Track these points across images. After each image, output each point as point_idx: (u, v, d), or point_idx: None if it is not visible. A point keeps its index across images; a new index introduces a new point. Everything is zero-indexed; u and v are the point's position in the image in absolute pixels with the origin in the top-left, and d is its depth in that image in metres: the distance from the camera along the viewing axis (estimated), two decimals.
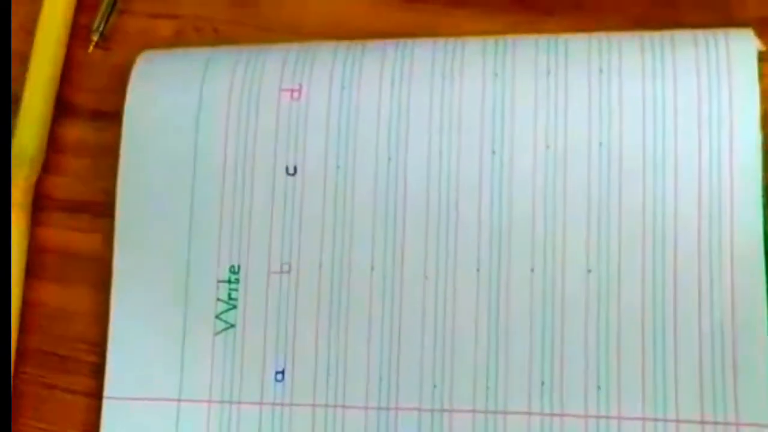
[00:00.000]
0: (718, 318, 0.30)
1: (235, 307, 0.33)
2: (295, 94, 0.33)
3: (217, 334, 0.33)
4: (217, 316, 0.33)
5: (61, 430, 0.33)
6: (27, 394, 0.34)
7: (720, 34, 0.32)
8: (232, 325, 0.33)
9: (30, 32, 0.36)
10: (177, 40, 0.36)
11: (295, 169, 0.33)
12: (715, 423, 0.30)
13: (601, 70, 0.32)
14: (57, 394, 0.34)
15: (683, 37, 0.32)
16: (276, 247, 0.33)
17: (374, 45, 0.34)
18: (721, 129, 0.31)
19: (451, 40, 0.34)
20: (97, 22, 0.36)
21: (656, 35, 0.32)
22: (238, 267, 0.33)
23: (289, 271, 0.33)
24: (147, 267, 0.33)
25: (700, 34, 0.32)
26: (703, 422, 0.30)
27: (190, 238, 0.33)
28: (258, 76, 0.34)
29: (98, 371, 0.33)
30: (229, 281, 0.33)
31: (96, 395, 0.33)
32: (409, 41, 0.34)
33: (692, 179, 0.31)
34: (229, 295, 0.33)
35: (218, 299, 0.33)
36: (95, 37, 0.36)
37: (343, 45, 0.34)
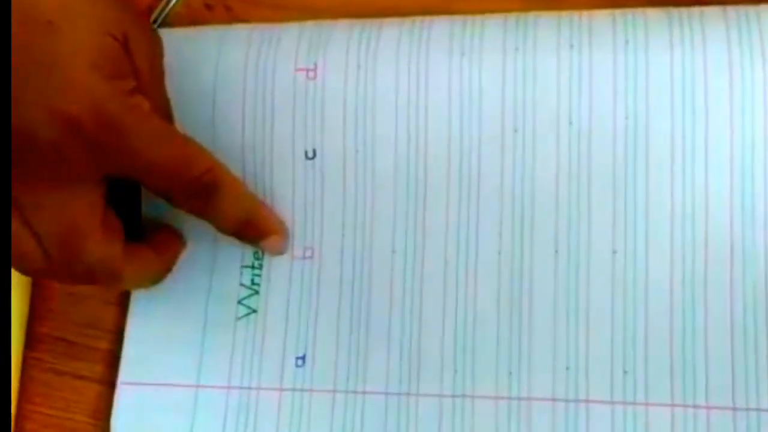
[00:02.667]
0: (751, 301, 0.29)
1: (257, 292, 0.32)
2: (311, 74, 0.33)
3: (239, 319, 0.32)
4: (239, 302, 0.32)
5: (71, 416, 0.33)
6: (37, 380, 0.33)
7: (751, 9, 0.31)
8: (254, 311, 0.32)
9: None
10: (188, 18, 0.35)
11: (314, 152, 0.32)
12: (748, 409, 0.29)
13: (627, 42, 0.31)
14: (67, 381, 0.33)
15: (712, 12, 0.31)
16: (299, 233, 0.32)
17: (391, 23, 0.33)
18: (755, 104, 0.30)
19: (469, 17, 0.33)
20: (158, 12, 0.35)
21: (684, 10, 0.31)
22: (262, 252, 0.32)
23: (312, 257, 0.32)
24: None
25: (731, 9, 0.31)
26: (734, 408, 0.29)
27: None
28: (272, 56, 0.33)
29: (110, 358, 0.33)
30: (253, 266, 0.32)
31: (107, 382, 0.32)
32: (427, 18, 0.33)
33: (723, 155, 0.30)
34: (252, 280, 0.32)
35: (241, 284, 0.32)
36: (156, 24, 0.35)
37: (359, 23, 0.33)
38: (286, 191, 0.32)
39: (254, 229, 0.31)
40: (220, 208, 0.30)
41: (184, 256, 0.32)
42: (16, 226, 0.27)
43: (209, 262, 0.32)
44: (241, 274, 0.32)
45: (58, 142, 0.26)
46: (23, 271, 0.29)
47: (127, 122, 0.27)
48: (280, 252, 0.32)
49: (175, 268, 0.32)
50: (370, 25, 0.33)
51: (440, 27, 0.32)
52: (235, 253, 0.32)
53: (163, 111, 0.31)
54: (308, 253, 0.32)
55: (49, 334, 0.34)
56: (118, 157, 0.27)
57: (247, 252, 0.32)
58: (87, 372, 0.33)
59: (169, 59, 0.33)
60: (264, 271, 0.32)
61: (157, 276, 0.31)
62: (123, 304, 0.33)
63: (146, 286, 0.31)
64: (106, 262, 0.28)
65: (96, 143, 0.27)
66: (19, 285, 0.33)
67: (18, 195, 0.27)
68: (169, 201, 0.30)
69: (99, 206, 0.28)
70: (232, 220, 0.31)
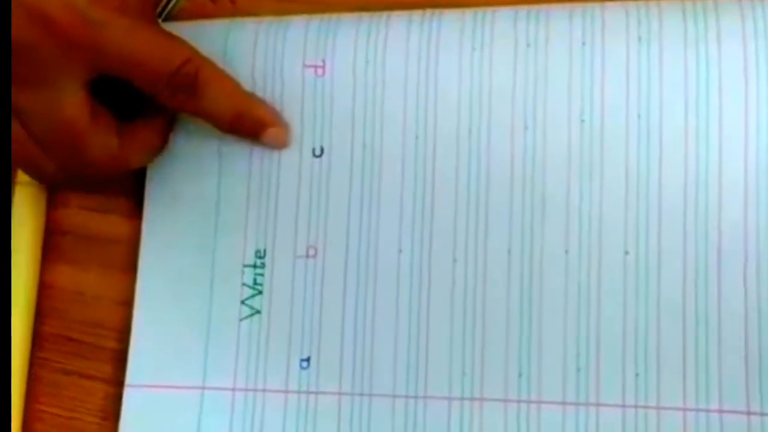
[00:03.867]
0: (765, 303, 0.28)
1: (260, 292, 0.32)
2: (319, 71, 0.32)
3: (242, 320, 0.32)
4: (242, 302, 0.32)
5: (79, 416, 0.33)
6: (44, 380, 0.33)
7: (766, 1, 0.30)
8: (258, 311, 0.31)
9: None
10: (193, 12, 0.35)
11: (322, 150, 0.32)
12: (762, 414, 0.28)
13: (640, 38, 0.30)
14: (75, 380, 0.33)
15: (727, 4, 0.30)
16: (302, 231, 0.32)
17: (399, 16, 0.32)
18: None
19: (480, 10, 0.32)
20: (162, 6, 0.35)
21: (698, 2, 0.30)
22: (264, 251, 0.32)
23: (315, 255, 0.31)
24: (173, 252, 0.32)
25: (746, 2, 0.30)
26: (749, 413, 0.28)
27: (217, 222, 0.32)
28: (280, 51, 0.32)
29: (118, 357, 0.32)
30: (255, 266, 0.32)
31: (115, 382, 0.32)
32: (436, 11, 0.32)
33: (738, 153, 0.29)
34: (255, 280, 0.32)
35: (243, 284, 0.32)
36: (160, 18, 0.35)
37: (366, 16, 0.33)
38: (292, 188, 0.32)
39: (249, 122, 0.31)
40: (208, 101, 0.30)
41: (185, 255, 0.32)
42: (16, 131, 0.29)
43: (209, 261, 0.32)
44: (243, 273, 0.32)
45: (38, 44, 0.28)
46: (39, 179, 0.32)
47: (98, 17, 0.28)
48: (283, 144, 0.32)
49: (176, 268, 0.32)
50: (378, 18, 0.32)
51: (450, 20, 0.32)
52: (236, 252, 0.32)
53: (139, 6, 0.30)
54: (311, 252, 0.32)
55: (56, 334, 0.33)
56: (94, 54, 0.28)
57: (249, 251, 0.32)
58: (95, 372, 0.33)
59: None
60: (267, 271, 0.32)
61: (156, 148, 0.32)
62: (131, 303, 0.32)
63: (151, 160, 0.32)
64: (106, 149, 0.30)
65: (72, 41, 0.28)
66: (25, 284, 0.33)
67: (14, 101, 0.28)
68: (158, 99, 0.30)
69: (86, 103, 0.29)
70: (224, 114, 0.31)
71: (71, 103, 0.29)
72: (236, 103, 0.31)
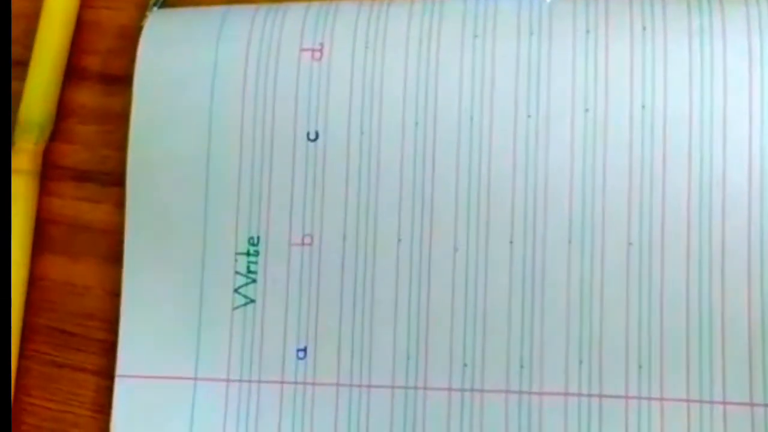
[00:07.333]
0: None
1: (254, 281, 0.31)
2: (317, 54, 0.31)
3: (235, 309, 0.31)
4: (235, 290, 0.31)
5: (70, 409, 0.32)
6: (35, 373, 0.32)
7: None
8: (252, 300, 0.31)
9: None
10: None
11: (317, 134, 0.31)
12: (766, 405, 0.28)
13: (644, 28, 0.30)
14: (66, 373, 0.32)
15: None
16: (297, 218, 0.31)
17: (400, 1, 0.32)
18: None
19: None
20: None
21: None
22: (258, 238, 0.31)
23: (311, 243, 0.31)
24: (160, 239, 0.31)
25: None
26: (752, 404, 0.28)
27: (206, 208, 0.31)
28: (277, 35, 0.32)
29: (109, 349, 0.32)
30: (248, 253, 0.31)
31: (107, 374, 0.31)
32: None
33: (743, 146, 0.29)
34: (248, 268, 0.31)
35: (237, 272, 0.31)
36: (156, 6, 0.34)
37: (367, 2, 0.32)
38: (286, 173, 0.31)
39: None
40: None
41: (174, 243, 0.31)
42: None
43: (200, 249, 0.31)
44: (236, 261, 0.31)
45: None
46: None
47: None
48: None
49: (165, 256, 0.31)
50: (379, 3, 0.32)
51: (452, 6, 0.31)
52: (228, 239, 0.31)
53: None
54: (307, 240, 0.31)
55: (47, 326, 0.33)
56: None
57: (241, 238, 0.31)
58: (87, 364, 0.32)
59: (167, 41, 0.33)
60: (261, 259, 0.31)
61: None
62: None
63: None
64: None
65: None
66: (15, 276, 0.32)
67: None
68: None
69: None
70: None
71: None
72: None
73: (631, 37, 0.30)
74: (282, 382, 0.30)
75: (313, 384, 0.30)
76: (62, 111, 0.34)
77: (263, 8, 0.33)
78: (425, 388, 0.30)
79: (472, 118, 0.30)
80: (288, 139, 0.31)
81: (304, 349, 0.30)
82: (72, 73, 0.34)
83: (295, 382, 0.30)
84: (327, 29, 0.32)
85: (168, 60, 0.32)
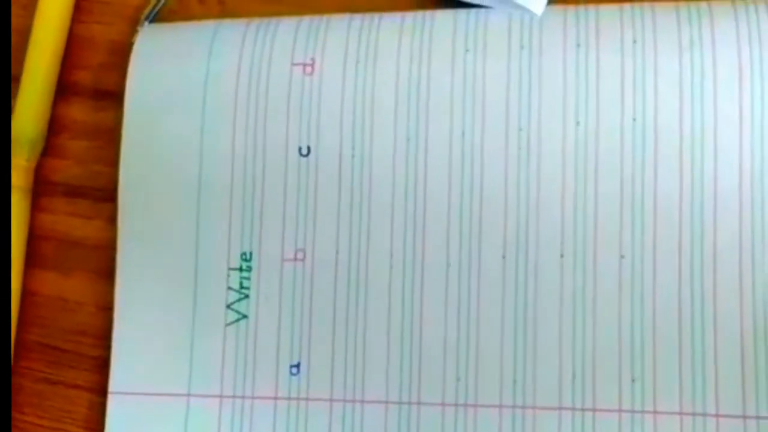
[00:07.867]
0: (761, 307, 0.28)
1: (247, 296, 0.31)
2: (308, 69, 0.31)
3: (228, 325, 0.31)
4: (228, 306, 0.31)
5: (63, 426, 0.32)
6: (28, 390, 0.32)
7: (761, 3, 0.30)
8: (245, 316, 0.31)
9: (30, 7, 0.34)
10: (180, 14, 0.34)
11: (309, 149, 0.31)
12: (758, 417, 0.28)
13: (635, 41, 0.30)
14: (59, 390, 0.32)
15: (721, 7, 0.30)
16: (290, 233, 0.31)
17: (391, 16, 0.32)
18: (764, 104, 0.29)
19: (473, 11, 0.31)
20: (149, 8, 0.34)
21: (692, 5, 0.30)
22: (250, 254, 0.31)
23: (303, 259, 0.31)
24: (152, 255, 0.31)
25: (740, 4, 0.30)
26: (745, 417, 0.28)
27: (198, 223, 0.31)
28: (268, 49, 0.32)
29: (102, 365, 0.32)
30: (241, 269, 0.31)
31: (100, 391, 0.31)
32: (429, 12, 0.32)
33: (733, 158, 0.29)
34: (241, 283, 0.31)
35: (229, 288, 0.31)
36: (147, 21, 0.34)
37: (358, 16, 0.32)
38: (278, 188, 0.31)
39: None
40: None
41: (166, 258, 0.31)
42: None
43: (192, 265, 0.31)
44: (229, 276, 0.31)
45: None
46: None
47: None
48: None
49: (157, 272, 0.31)
50: (370, 18, 0.32)
51: (443, 21, 0.31)
52: (221, 255, 0.31)
53: None
54: (300, 255, 0.31)
55: (39, 342, 0.32)
56: None
57: (234, 253, 0.31)
58: (80, 381, 0.32)
59: (158, 55, 0.33)
60: (253, 274, 0.31)
61: None
62: None
63: None
64: None
65: None
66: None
67: None
68: None
69: None
70: None
71: None
72: None
73: (622, 50, 0.30)
74: (275, 398, 0.30)
75: (307, 400, 0.30)
76: (54, 126, 0.34)
77: (254, 23, 0.33)
78: (419, 403, 0.30)
79: (463, 132, 0.30)
80: (280, 154, 0.31)
81: (298, 365, 0.30)
82: (63, 88, 0.34)
83: (289, 398, 0.30)
84: (318, 44, 0.32)
85: (159, 75, 0.32)
